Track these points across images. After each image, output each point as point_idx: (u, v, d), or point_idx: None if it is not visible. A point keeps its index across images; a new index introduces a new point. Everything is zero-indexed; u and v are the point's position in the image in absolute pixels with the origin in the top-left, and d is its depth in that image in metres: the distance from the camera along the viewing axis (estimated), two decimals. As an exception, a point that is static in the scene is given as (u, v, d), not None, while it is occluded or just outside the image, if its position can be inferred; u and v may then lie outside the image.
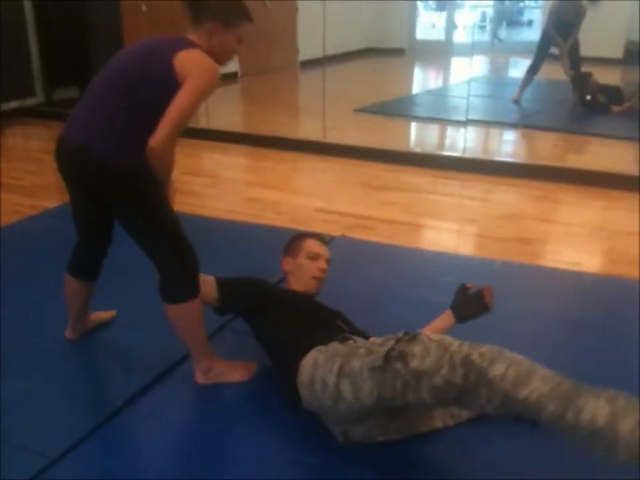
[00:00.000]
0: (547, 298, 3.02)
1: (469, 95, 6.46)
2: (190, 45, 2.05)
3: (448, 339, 1.78)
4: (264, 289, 2.42)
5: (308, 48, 9.78)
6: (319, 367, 1.95)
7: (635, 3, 9.45)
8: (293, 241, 2.58)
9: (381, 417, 1.97)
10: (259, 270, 2.56)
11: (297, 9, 10.05)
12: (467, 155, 5.47)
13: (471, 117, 6.30)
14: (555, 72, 7.65)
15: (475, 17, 13.62)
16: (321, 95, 6.41)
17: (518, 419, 1.76)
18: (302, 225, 3.78)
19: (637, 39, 9.62)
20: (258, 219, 4.01)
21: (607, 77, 7.51)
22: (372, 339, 2.06)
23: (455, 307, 2.33)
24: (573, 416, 1.53)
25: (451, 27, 12.39)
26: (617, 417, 1.50)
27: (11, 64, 6.50)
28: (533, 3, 14.36)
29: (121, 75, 2.06)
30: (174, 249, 2.12)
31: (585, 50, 7.56)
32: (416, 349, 1.74)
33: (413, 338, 1.79)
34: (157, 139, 1.93)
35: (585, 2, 7.22)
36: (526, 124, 6.71)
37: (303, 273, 2.47)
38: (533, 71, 7.44)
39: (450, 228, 4.08)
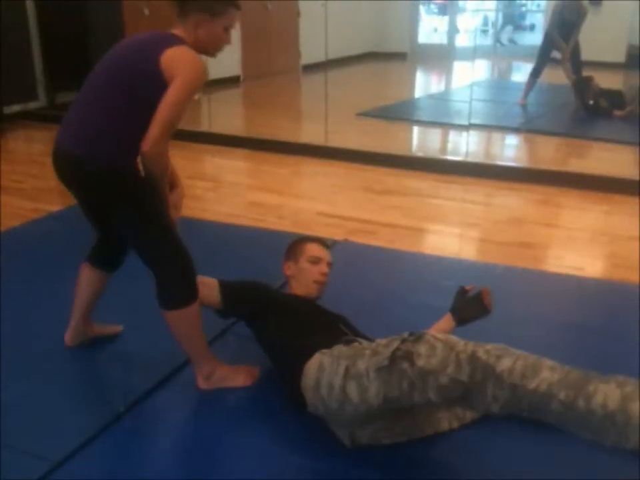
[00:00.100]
0: (549, 303, 3.01)
1: (471, 99, 6.46)
2: (176, 41, 2.03)
3: (454, 338, 1.79)
4: (266, 293, 2.42)
5: (310, 52, 9.78)
6: (325, 369, 1.95)
7: (637, 7, 9.46)
8: (295, 245, 2.58)
9: (387, 419, 1.97)
10: (260, 274, 2.56)
11: (299, 13, 10.06)
12: (469, 159, 5.47)
13: (473, 121, 6.30)
14: (557, 76, 7.65)
15: (477, 21, 13.64)
16: (323, 98, 6.41)
17: (521, 419, 1.76)
18: (304, 229, 3.78)
19: (639, 43, 9.63)
20: (260, 223, 4.01)
21: (609, 81, 7.51)
22: (377, 341, 2.06)
23: (454, 310, 2.34)
24: (584, 402, 1.54)
25: (453, 30, 12.40)
26: (628, 400, 1.52)
27: (14, 68, 6.51)
28: (535, 7, 14.37)
29: (109, 77, 2.06)
30: (169, 253, 2.12)
31: (587, 54, 7.56)
32: (422, 348, 1.75)
33: (418, 338, 1.79)
34: (148, 141, 1.93)
35: (585, 2, 7.23)
36: (528, 128, 6.71)
37: (304, 277, 2.47)
38: (535, 74, 7.46)
39: (452, 232, 4.08)
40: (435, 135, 7.02)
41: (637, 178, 4.68)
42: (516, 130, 6.66)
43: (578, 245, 3.80)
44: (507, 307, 2.66)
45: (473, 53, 8.23)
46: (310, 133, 6.65)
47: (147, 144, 1.93)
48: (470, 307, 2.30)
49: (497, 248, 3.73)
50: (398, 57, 11.92)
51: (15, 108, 6.77)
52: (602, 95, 7.04)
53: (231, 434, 2.08)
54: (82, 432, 2.04)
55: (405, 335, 1.84)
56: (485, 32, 13.54)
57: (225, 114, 7.26)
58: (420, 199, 4.68)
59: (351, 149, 5.61)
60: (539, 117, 7.30)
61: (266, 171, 5.42)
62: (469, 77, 7.88)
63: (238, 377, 2.30)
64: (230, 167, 5.73)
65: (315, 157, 5.63)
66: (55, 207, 4.06)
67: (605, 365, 2.38)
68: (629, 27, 10.22)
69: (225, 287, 2.35)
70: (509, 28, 13.78)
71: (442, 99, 8.68)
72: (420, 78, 11.70)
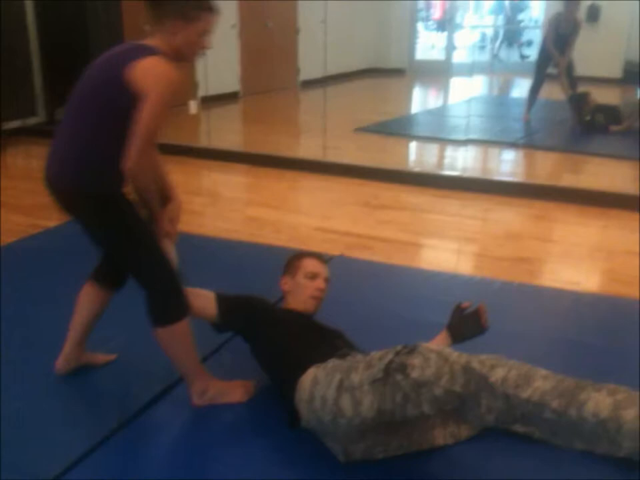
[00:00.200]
0: (546, 317, 3.01)
1: (469, 115, 6.49)
2: (146, 52, 1.99)
3: (447, 349, 1.80)
4: (263, 307, 2.42)
5: (309, 68, 9.85)
6: (319, 382, 1.95)
7: (633, 24, 9.53)
8: (292, 260, 2.58)
9: (382, 435, 1.97)
10: (257, 289, 2.56)
11: (298, 30, 10.13)
12: (467, 175, 5.49)
13: (471, 136, 6.34)
14: (554, 92, 7.69)
15: (475, 38, 13.72)
16: (321, 114, 6.45)
17: (517, 435, 1.76)
18: (301, 244, 3.79)
19: (636, 59, 9.69)
20: (257, 238, 4.02)
21: (606, 96, 7.55)
22: (371, 354, 2.06)
23: (450, 327, 2.33)
24: (576, 411, 1.55)
25: (450, 47, 12.47)
26: (619, 408, 1.53)
27: (14, 84, 6.56)
28: (532, 23, 14.46)
29: (82, 97, 2.05)
30: (154, 272, 2.12)
31: (585, 70, 7.60)
32: (416, 360, 1.75)
33: (412, 350, 1.79)
34: (129, 158, 1.93)
35: (580, 16, 7.26)
36: (525, 143, 6.75)
37: (301, 292, 2.47)
38: (535, 89, 7.47)
39: (449, 247, 4.08)
40: (432, 150, 7.04)
41: (634, 193, 4.70)
42: (513, 145, 6.69)
43: (575, 260, 3.80)
44: (504, 321, 2.66)
45: (470, 69, 8.29)
46: (308, 148, 6.68)
47: (128, 161, 1.93)
48: (466, 324, 2.29)
49: (493, 263, 3.73)
50: (396, 72, 12.00)
51: (15, 124, 6.80)
52: (599, 110, 7.07)
53: (226, 449, 2.07)
54: (75, 448, 2.03)
55: (399, 347, 1.84)
56: (482, 48, 13.61)
57: (223, 129, 7.29)
58: (417, 213, 4.69)
59: (349, 164, 5.64)
60: (536, 132, 7.34)
61: (264, 186, 5.44)
62: (466, 93, 7.92)
63: (233, 393, 2.29)
64: (228, 182, 5.75)
65: (313, 172, 5.65)
66: (51, 223, 4.06)
67: (602, 379, 2.38)
68: (625, 43, 10.31)
69: (221, 299, 2.35)
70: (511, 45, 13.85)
71: (440, 114, 8.72)
72: (418, 94, 11.76)
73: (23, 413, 2.22)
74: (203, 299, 2.30)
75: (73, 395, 2.39)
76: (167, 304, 2.13)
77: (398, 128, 7.54)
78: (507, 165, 6.44)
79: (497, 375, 1.64)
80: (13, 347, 2.61)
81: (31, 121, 6.99)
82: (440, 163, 6.46)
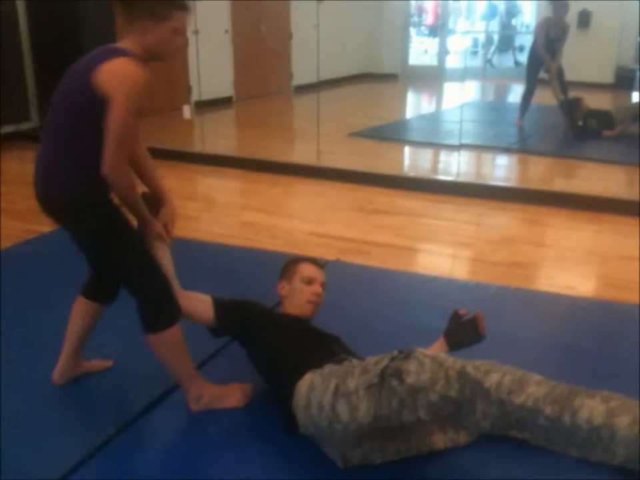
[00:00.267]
0: (541, 322, 3.02)
1: (462, 120, 6.51)
2: (114, 54, 1.97)
3: (443, 354, 1.81)
4: (259, 312, 2.42)
5: (302, 73, 9.86)
6: (315, 388, 1.95)
7: (624, 29, 9.59)
8: (289, 265, 2.58)
9: (378, 439, 1.97)
10: (253, 294, 2.55)
11: (291, 35, 10.15)
12: (461, 179, 5.50)
13: (464, 141, 6.35)
14: (546, 97, 7.72)
15: (467, 43, 13.77)
16: (314, 119, 6.45)
17: (514, 439, 1.76)
18: (296, 249, 3.79)
19: (628, 64, 9.75)
20: (252, 243, 4.02)
21: (598, 101, 7.59)
22: (367, 359, 2.07)
23: (447, 334, 2.33)
24: (569, 417, 1.56)
25: (443, 52, 12.52)
26: (613, 415, 1.53)
27: (7, 89, 6.54)
28: (524, 29, 14.52)
29: (59, 106, 2.05)
30: (144, 279, 2.11)
31: (577, 75, 7.64)
32: (411, 365, 1.76)
33: (407, 355, 1.80)
34: (106, 165, 1.93)
35: (567, 19, 7.28)
36: (519, 148, 6.77)
37: (298, 297, 2.47)
38: (528, 95, 7.50)
39: (444, 252, 4.09)
40: (426, 155, 7.06)
41: (627, 197, 4.72)
42: (507, 150, 6.71)
43: (569, 265, 3.82)
44: (500, 326, 2.67)
45: (463, 74, 8.31)
46: (302, 153, 6.69)
47: (105, 167, 1.93)
48: (464, 331, 2.29)
49: (488, 267, 3.74)
50: (389, 78, 12.02)
51: (8, 128, 6.78)
52: (591, 115, 7.11)
53: (223, 455, 2.06)
54: (73, 453, 2.03)
55: (395, 352, 1.85)
56: (474, 53, 13.66)
57: (217, 134, 7.29)
58: (412, 218, 4.70)
59: (343, 169, 5.65)
60: (529, 137, 7.37)
61: (258, 191, 5.44)
62: (459, 98, 7.94)
63: (230, 398, 2.28)
64: (222, 187, 5.75)
65: (307, 177, 5.66)
66: (46, 228, 4.05)
67: (597, 383, 2.38)
68: (616, 48, 10.37)
69: (218, 303, 2.35)
70: (513, 49, 13.87)
71: (433, 119, 8.75)
72: (411, 99, 11.79)
73: (21, 417, 2.22)
74: (200, 303, 2.30)
75: (70, 401, 2.38)
76: (158, 310, 2.13)
77: (392, 133, 7.55)
78: (501, 169, 6.46)
79: (492, 380, 1.65)
80: (12, 348, 2.60)
81: (25, 125, 6.98)
82: (434, 168, 6.47)
